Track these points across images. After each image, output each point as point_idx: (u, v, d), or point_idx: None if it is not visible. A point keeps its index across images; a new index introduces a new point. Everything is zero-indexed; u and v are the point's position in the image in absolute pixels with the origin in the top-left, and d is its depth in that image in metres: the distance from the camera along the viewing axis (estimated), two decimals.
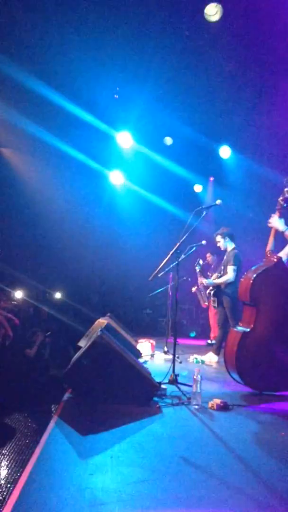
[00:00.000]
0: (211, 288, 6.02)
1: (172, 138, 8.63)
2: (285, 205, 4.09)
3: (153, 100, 7.49)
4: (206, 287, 6.18)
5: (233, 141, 8.65)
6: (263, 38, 6.06)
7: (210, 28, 6.00)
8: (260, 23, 5.81)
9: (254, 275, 4.02)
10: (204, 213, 4.80)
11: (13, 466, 2.31)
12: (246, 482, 2.19)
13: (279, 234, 4.15)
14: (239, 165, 8.87)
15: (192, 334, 5.86)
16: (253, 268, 4.20)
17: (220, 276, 5.86)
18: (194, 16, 5.85)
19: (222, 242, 5.92)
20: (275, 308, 4.01)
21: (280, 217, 4.09)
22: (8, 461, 2.36)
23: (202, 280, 6.06)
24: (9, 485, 2.07)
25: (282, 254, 4.16)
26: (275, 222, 4.08)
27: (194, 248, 6.04)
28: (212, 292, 6.01)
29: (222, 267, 5.94)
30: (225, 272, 5.77)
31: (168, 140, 8.87)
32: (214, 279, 5.96)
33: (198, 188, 10.08)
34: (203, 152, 8.81)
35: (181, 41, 6.31)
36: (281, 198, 4.11)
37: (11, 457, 2.42)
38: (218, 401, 3.51)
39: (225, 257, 5.94)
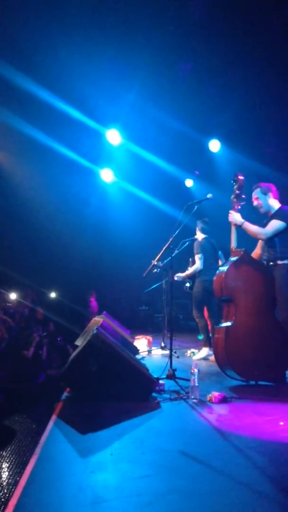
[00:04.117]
0: (187, 285, 6.15)
1: (161, 133, 8.62)
2: (237, 201, 4.37)
3: (141, 95, 7.47)
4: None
5: (223, 134, 8.65)
6: (251, 31, 6.06)
7: (196, 22, 5.99)
8: (248, 16, 5.80)
9: (225, 270, 4.17)
10: (196, 207, 4.82)
11: (13, 467, 2.31)
12: (246, 473, 2.21)
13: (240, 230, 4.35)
14: (229, 159, 8.87)
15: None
16: (221, 266, 4.41)
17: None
18: (180, 11, 5.83)
19: (198, 234, 6.15)
20: (252, 298, 4.12)
21: (236, 212, 4.35)
22: (8, 463, 2.36)
23: (175, 276, 6.17)
24: (10, 487, 2.07)
25: (254, 255, 4.43)
26: (233, 217, 4.31)
27: (187, 243, 6.08)
28: (188, 286, 6.13)
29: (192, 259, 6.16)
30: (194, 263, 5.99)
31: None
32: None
33: (189, 182, 10.07)
34: (192, 146, 8.81)
35: (168, 36, 6.29)
36: (232, 196, 4.40)
37: (11, 458, 2.42)
38: (216, 394, 3.52)
39: None
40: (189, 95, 7.48)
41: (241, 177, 4.38)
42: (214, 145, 8.78)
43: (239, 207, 4.38)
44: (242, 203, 4.39)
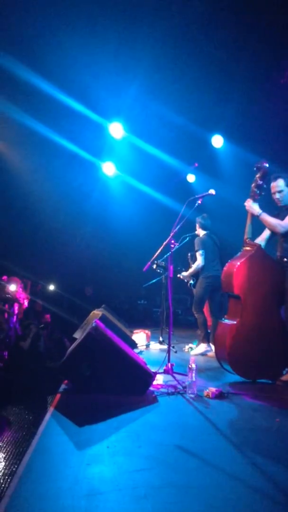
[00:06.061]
0: (190, 282, 6.15)
1: (164, 127, 8.57)
2: (257, 191, 4.16)
3: (145, 89, 7.42)
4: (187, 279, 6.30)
5: (226, 130, 8.60)
6: (255, 24, 6.00)
7: (201, 16, 5.94)
8: (252, 8, 5.75)
9: (236, 265, 4.04)
10: (197, 202, 4.81)
11: (10, 458, 2.32)
12: (242, 468, 2.22)
13: (255, 221, 4.22)
14: (232, 154, 8.83)
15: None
16: (233, 258, 4.21)
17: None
18: (184, 3, 5.78)
19: (198, 230, 6.10)
20: (260, 296, 4.04)
21: (254, 202, 4.17)
22: (5, 454, 2.37)
23: (179, 275, 6.18)
24: (7, 477, 2.08)
25: (259, 239, 4.24)
26: (250, 206, 4.15)
27: (187, 239, 6.07)
28: (192, 283, 6.13)
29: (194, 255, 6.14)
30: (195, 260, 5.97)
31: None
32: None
33: (191, 178, 10.03)
34: (195, 141, 8.76)
35: (172, 29, 6.23)
36: (253, 184, 4.18)
37: (8, 449, 2.43)
38: (213, 389, 3.54)
39: None
40: (193, 89, 7.42)
41: (266, 165, 4.06)
42: (217, 141, 8.73)
43: (258, 197, 4.14)
44: (262, 194, 4.15)
